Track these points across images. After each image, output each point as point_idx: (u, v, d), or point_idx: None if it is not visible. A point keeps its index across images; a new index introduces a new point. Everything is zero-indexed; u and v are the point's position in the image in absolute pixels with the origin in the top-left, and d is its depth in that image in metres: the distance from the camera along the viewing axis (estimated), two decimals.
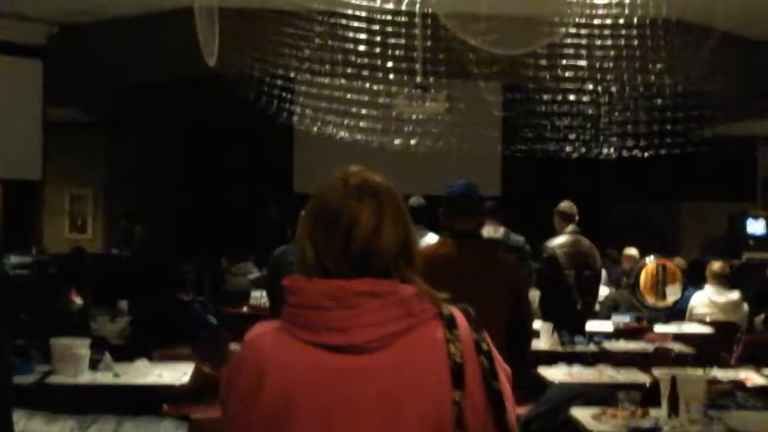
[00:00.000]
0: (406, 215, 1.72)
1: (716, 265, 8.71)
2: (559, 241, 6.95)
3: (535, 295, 7.57)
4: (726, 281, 8.58)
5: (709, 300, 8.50)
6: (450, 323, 1.66)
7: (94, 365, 5.61)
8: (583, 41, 9.48)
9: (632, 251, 10.37)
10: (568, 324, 6.97)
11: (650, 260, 8.87)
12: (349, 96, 12.07)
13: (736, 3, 8.17)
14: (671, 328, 8.24)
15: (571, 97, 10.66)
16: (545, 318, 7.17)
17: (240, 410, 1.65)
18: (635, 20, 9.37)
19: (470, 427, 1.61)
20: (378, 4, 8.98)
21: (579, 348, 6.94)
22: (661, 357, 6.68)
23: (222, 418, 1.72)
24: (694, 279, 9.23)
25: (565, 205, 7.23)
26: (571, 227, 7.06)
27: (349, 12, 9.36)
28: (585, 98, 10.67)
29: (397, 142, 12.45)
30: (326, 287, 1.62)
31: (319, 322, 1.61)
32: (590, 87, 10.48)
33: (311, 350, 1.61)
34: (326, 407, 1.59)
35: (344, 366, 1.60)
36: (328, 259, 1.65)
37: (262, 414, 1.61)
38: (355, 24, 9.50)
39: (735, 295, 8.58)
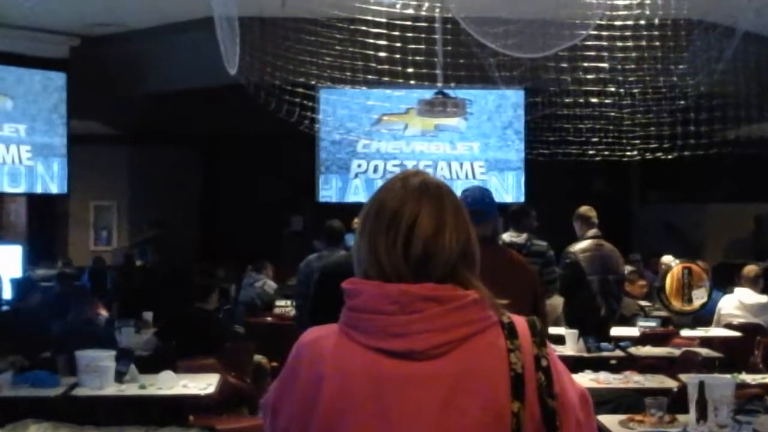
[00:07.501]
0: (466, 217, 1.68)
1: (749, 268, 8.68)
2: (581, 246, 6.89)
3: (559, 301, 7.51)
4: (758, 284, 8.53)
5: (739, 302, 8.45)
6: (511, 332, 1.62)
7: (119, 377, 5.63)
8: (605, 43, 9.43)
9: (667, 258, 10.22)
10: (593, 330, 6.91)
11: (676, 264, 8.79)
12: (370, 103, 12.10)
13: (759, 2, 8.09)
14: (698, 332, 8.17)
15: (593, 100, 10.60)
16: (570, 324, 7.11)
17: (297, 416, 1.61)
18: (657, 21, 9.31)
19: None
20: (398, 9, 8.98)
21: (605, 354, 6.90)
22: (688, 362, 6.62)
23: (272, 425, 1.67)
24: (720, 282, 9.13)
25: (585, 208, 7.17)
26: (592, 231, 7.00)
27: (369, 18, 9.37)
28: (607, 100, 10.61)
29: (420, 148, 12.43)
30: (389, 291, 1.58)
31: (380, 326, 1.58)
32: (612, 89, 10.42)
33: (372, 355, 1.57)
34: (386, 414, 1.55)
35: (405, 372, 1.56)
36: (388, 262, 1.61)
37: (320, 420, 1.58)
38: (375, 30, 9.50)
39: (765, 298, 8.52)
